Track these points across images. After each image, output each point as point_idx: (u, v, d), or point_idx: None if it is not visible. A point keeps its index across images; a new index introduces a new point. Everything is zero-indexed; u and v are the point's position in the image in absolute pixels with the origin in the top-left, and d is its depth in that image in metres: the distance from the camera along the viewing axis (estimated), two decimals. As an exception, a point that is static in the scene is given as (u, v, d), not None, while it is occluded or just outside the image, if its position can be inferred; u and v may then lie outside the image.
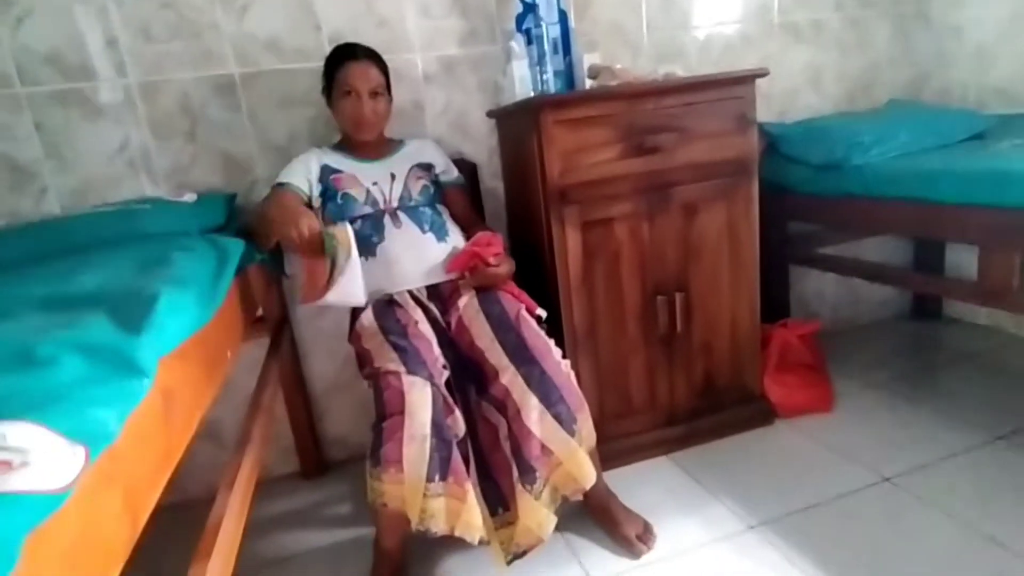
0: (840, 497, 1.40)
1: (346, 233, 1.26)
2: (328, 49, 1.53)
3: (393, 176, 1.49)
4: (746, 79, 1.48)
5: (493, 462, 1.24)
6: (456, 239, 1.47)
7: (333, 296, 1.25)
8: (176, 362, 0.67)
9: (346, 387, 1.81)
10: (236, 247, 1.10)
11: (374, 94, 1.44)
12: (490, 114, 1.75)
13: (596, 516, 1.38)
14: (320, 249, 1.26)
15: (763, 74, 1.48)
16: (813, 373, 1.81)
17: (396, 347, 1.21)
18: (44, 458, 0.38)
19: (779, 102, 2.06)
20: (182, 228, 1.21)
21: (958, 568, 1.16)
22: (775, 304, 1.96)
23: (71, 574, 0.40)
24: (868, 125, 1.80)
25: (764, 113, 1.54)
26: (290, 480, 1.79)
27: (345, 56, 1.43)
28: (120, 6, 1.45)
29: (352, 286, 1.25)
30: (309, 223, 1.24)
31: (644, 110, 1.42)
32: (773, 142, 1.90)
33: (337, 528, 1.54)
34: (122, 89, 1.49)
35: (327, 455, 1.83)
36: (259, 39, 1.55)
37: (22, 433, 0.38)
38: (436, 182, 1.55)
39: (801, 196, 1.86)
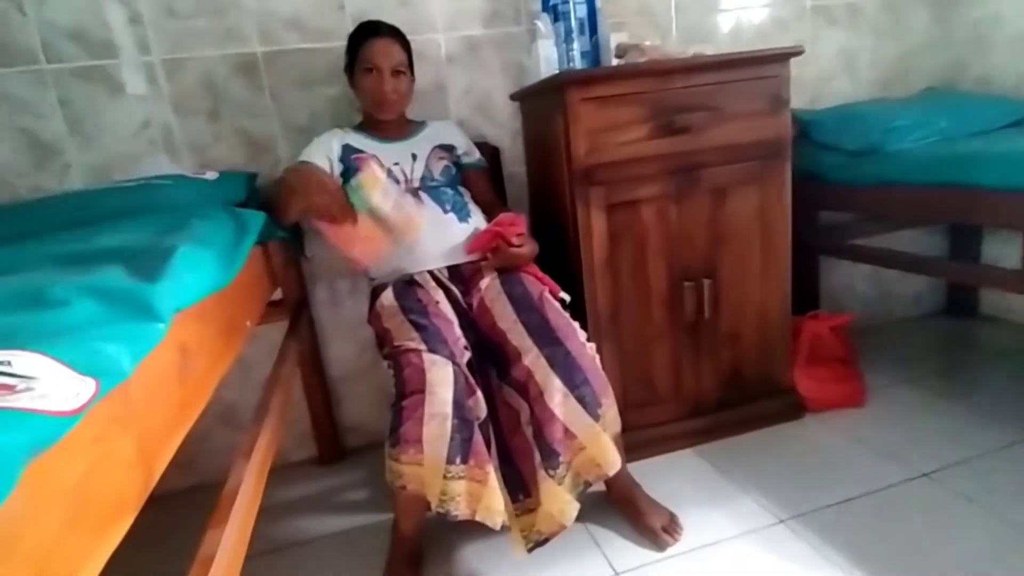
0: (875, 492, 1.34)
1: (371, 170, 1.18)
2: (351, 28, 1.51)
3: (414, 156, 1.46)
4: (781, 57, 1.43)
5: (514, 447, 1.21)
6: (478, 220, 1.44)
7: (409, 241, 1.22)
8: (193, 320, 0.65)
9: (364, 373, 1.79)
10: (256, 218, 1.08)
11: (396, 72, 1.42)
12: (514, 96, 1.72)
13: (620, 506, 1.33)
14: (350, 210, 1.18)
15: (798, 52, 1.43)
16: (844, 367, 1.75)
17: (417, 326, 1.18)
18: (51, 385, 0.35)
19: (811, 88, 2.00)
20: (203, 202, 1.19)
21: (999, 564, 1.10)
22: (804, 296, 1.90)
23: (76, 517, 0.37)
24: (905, 111, 1.74)
25: (795, 99, 1.48)
26: (307, 466, 1.77)
27: (368, 33, 1.41)
28: (145, -18, 1.44)
29: (406, 212, 1.20)
30: (333, 191, 1.19)
31: (674, 88, 1.38)
32: (804, 128, 1.84)
33: (353, 514, 1.52)
34: (146, 66, 1.48)
35: (344, 441, 1.81)
36: (282, 17, 1.54)
37: (29, 362, 0.36)
38: (457, 164, 1.53)
39: (833, 184, 1.80)
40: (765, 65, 1.43)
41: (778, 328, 1.59)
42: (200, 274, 0.66)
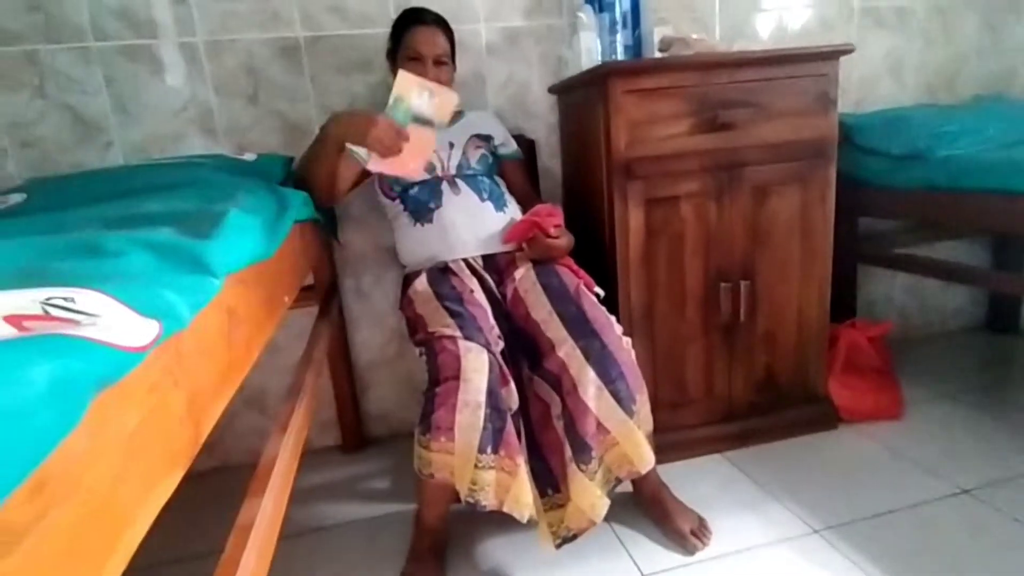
0: (915, 506, 1.29)
1: (402, 79, 1.20)
2: (393, 15, 1.50)
3: (451, 144, 1.45)
4: (830, 55, 1.40)
5: (544, 441, 1.18)
6: (514, 211, 1.42)
7: (442, 121, 1.23)
8: (239, 286, 0.64)
9: (390, 362, 1.78)
10: (296, 197, 1.07)
11: (439, 62, 1.41)
12: (552, 89, 1.70)
13: (647, 507, 1.30)
14: (402, 132, 1.20)
15: (848, 50, 1.39)
16: (882, 377, 1.70)
17: (452, 312, 1.16)
18: (116, 322, 0.34)
19: (855, 91, 1.95)
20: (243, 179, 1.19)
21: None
22: (842, 304, 1.85)
23: (131, 464, 0.36)
24: (953, 117, 1.69)
25: (839, 102, 1.44)
26: (330, 453, 1.77)
27: (414, 20, 1.40)
28: (193, -37, 1.45)
29: (440, 96, 1.22)
30: (381, 121, 1.18)
31: (719, 83, 1.35)
32: (848, 132, 1.80)
33: (376, 502, 1.51)
34: (189, 47, 1.49)
35: (368, 430, 1.80)
36: (325, 2, 1.54)
37: (92, 299, 0.35)
38: (494, 154, 1.51)
39: (877, 189, 1.75)
40: (814, 62, 1.39)
41: (815, 334, 1.55)
42: (248, 239, 0.66)
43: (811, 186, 1.46)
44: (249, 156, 1.41)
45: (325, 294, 1.54)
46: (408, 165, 1.23)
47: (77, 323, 0.32)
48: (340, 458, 1.74)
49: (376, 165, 1.22)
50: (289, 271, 0.96)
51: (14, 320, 0.30)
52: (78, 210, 0.88)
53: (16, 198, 1.16)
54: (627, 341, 1.19)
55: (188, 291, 0.44)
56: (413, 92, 1.20)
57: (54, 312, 0.33)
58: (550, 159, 1.77)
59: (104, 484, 0.31)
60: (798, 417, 1.58)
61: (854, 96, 1.95)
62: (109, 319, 0.34)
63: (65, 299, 0.34)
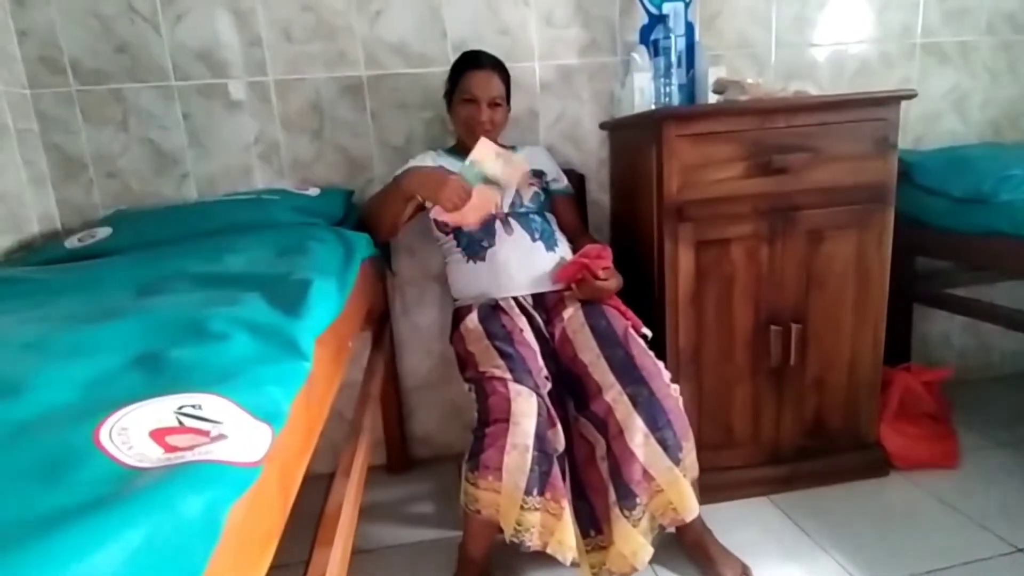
0: (965, 564, 1.25)
1: (482, 147, 1.33)
2: (451, 55, 1.56)
3: (505, 182, 1.49)
4: (890, 100, 1.38)
5: (588, 481, 1.21)
6: (564, 250, 1.45)
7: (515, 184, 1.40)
8: (316, 346, 0.68)
9: (436, 387, 1.83)
10: (360, 240, 1.13)
11: (493, 104, 1.45)
12: (603, 125, 1.73)
13: (691, 552, 1.30)
14: (469, 192, 1.32)
15: (911, 96, 1.37)
16: (937, 424, 1.65)
17: (503, 353, 1.20)
18: (237, 431, 0.38)
19: (915, 128, 1.91)
20: (308, 220, 1.26)
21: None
22: (896, 345, 1.80)
23: (240, 548, 0.40)
24: (1021, 158, 1.63)
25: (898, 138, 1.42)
26: (375, 473, 1.82)
27: (471, 64, 1.45)
28: (267, 8, 1.54)
29: (512, 163, 1.38)
30: (452, 181, 1.30)
31: (774, 128, 1.35)
32: (907, 170, 1.75)
33: (420, 527, 1.55)
34: (261, 86, 1.58)
35: (412, 452, 1.85)
36: (388, 43, 1.61)
37: (216, 405, 0.39)
38: (546, 190, 1.55)
39: (936, 230, 1.71)
40: (874, 107, 1.37)
41: (868, 379, 1.52)
42: (328, 304, 0.70)
43: (868, 230, 1.44)
44: (313, 191, 1.49)
45: (378, 323, 1.59)
46: (467, 218, 1.35)
47: (207, 433, 0.37)
48: (386, 479, 1.79)
49: (438, 214, 1.36)
50: (354, 315, 1.01)
51: (158, 436, 0.35)
52: (165, 258, 0.95)
53: (103, 232, 1.26)
54: (675, 388, 1.20)
55: (286, 380, 0.49)
56: (489, 158, 1.32)
57: (187, 423, 0.37)
58: (599, 193, 1.79)
59: (219, 578, 0.35)
60: (848, 463, 1.55)
61: (913, 133, 1.91)
62: (230, 425, 0.38)
63: (193, 407, 0.39)
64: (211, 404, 0.40)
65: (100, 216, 1.50)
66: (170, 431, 0.36)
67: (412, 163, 1.50)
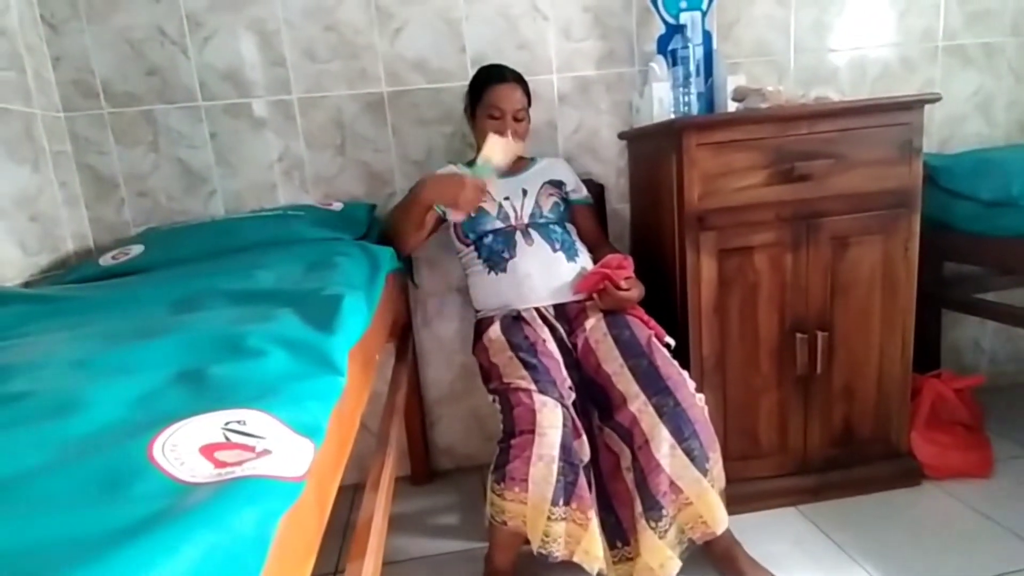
0: (1003, 576, 1.22)
1: (490, 143, 1.35)
2: (470, 70, 1.58)
3: (525, 192, 1.50)
4: (914, 105, 1.36)
5: (613, 492, 1.20)
6: (585, 260, 1.45)
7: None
8: (349, 360, 0.70)
9: (459, 398, 1.84)
10: (385, 254, 1.14)
11: (517, 117, 1.47)
12: (622, 135, 1.73)
13: (720, 564, 1.28)
14: (485, 190, 1.35)
15: (934, 99, 1.36)
16: (969, 433, 1.61)
17: (527, 364, 1.20)
18: (281, 446, 0.39)
19: (939, 131, 1.88)
20: (332, 235, 1.28)
21: None
22: (925, 352, 1.78)
23: (283, 561, 0.41)
24: (1051, 159, 1.60)
25: (922, 142, 1.40)
26: (399, 484, 1.83)
27: (495, 78, 1.47)
28: (290, 28, 1.58)
29: (514, 149, 1.40)
30: (469, 185, 1.30)
31: (796, 135, 1.34)
32: (932, 173, 1.73)
33: (445, 538, 1.55)
34: (285, 104, 1.61)
35: (436, 463, 1.86)
36: (408, 59, 1.63)
37: (260, 421, 0.41)
38: (566, 200, 1.55)
39: (964, 235, 1.68)
40: (897, 112, 1.36)
41: (897, 387, 1.50)
42: (359, 318, 0.72)
43: (893, 236, 1.42)
44: (336, 205, 1.51)
45: (401, 335, 1.61)
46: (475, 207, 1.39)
47: (253, 449, 0.38)
48: (410, 490, 1.80)
49: (456, 216, 1.39)
50: (380, 328, 1.03)
51: (208, 452, 0.36)
52: (194, 268, 0.98)
53: (136, 249, 1.29)
54: (700, 398, 1.19)
55: (324, 395, 0.50)
56: (497, 153, 1.34)
57: (234, 438, 0.39)
58: (619, 202, 1.80)
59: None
60: (878, 472, 1.53)
61: (939, 136, 1.88)
62: (274, 440, 0.40)
63: (239, 422, 0.40)
64: (255, 420, 0.41)
65: (132, 234, 1.54)
66: (218, 447, 0.38)
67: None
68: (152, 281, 0.97)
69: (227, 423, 0.40)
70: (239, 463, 0.36)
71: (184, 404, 0.43)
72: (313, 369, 0.54)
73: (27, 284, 1.28)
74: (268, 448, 0.39)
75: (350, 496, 1.61)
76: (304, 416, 0.45)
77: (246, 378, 0.48)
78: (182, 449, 0.36)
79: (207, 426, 0.39)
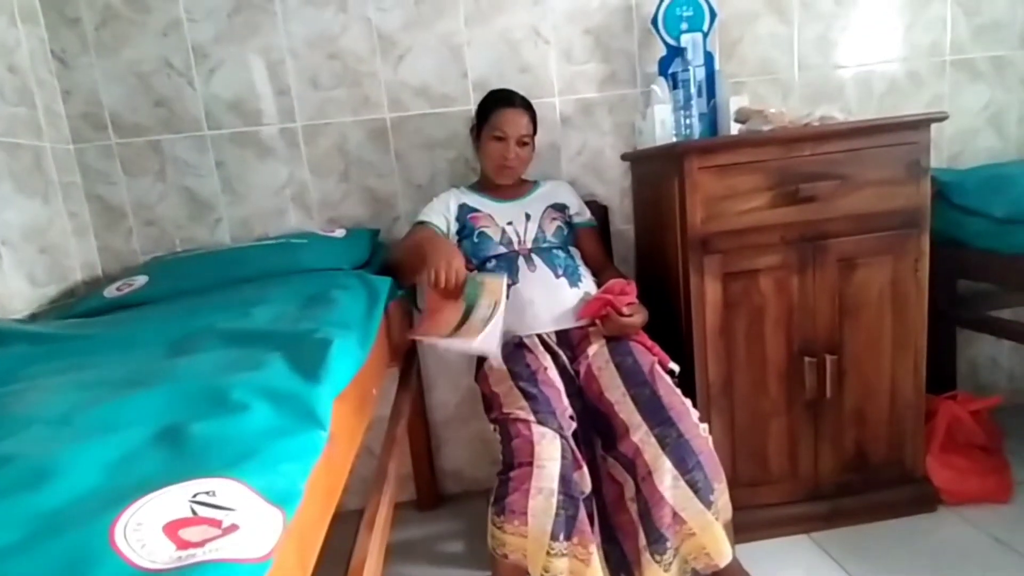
0: (1026, 610, 1.18)
1: (500, 284, 1.24)
2: (473, 94, 1.59)
3: (528, 216, 1.50)
4: (920, 124, 1.34)
5: (617, 523, 1.18)
6: (589, 285, 1.44)
7: (459, 344, 1.18)
8: (337, 405, 0.69)
9: (465, 421, 1.83)
10: (384, 285, 1.14)
11: (521, 142, 1.47)
12: (625, 157, 1.73)
13: (728, 595, 1.26)
14: (458, 292, 1.25)
15: (941, 118, 1.34)
16: (988, 456, 1.57)
17: (526, 394, 1.19)
18: (249, 520, 0.39)
19: (950, 146, 1.85)
20: (334, 264, 1.29)
21: None
22: (940, 372, 1.74)
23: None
24: (1066, 174, 1.57)
25: (932, 158, 1.38)
26: (405, 509, 1.82)
27: (503, 102, 1.47)
28: (295, 58, 1.60)
29: (492, 339, 1.18)
30: (459, 265, 1.24)
31: (800, 156, 1.33)
32: (943, 190, 1.70)
33: (450, 566, 1.54)
34: (289, 132, 1.63)
35: (442, 487, 1.84)
36: (411, 86, 1.65)
37: (231, 491, 0.40)
38: (569, 223, 1.55)
39: (977, 252, 1.64)
40: (903, 131, 1.34)
41: (911, 409, 1.46)
42: (349, 361, 0.72)
43: (902, 256, 1.39)
44: (339, 232, 1.52)
45: (404, 361, 1.60)
46: (432, 317, 1.27)
47: (220, 524, 0.37)
48: (415, 515, 1.79)
49: (429, 290, 1.26)
50: (378, 363, 1.02)
51: (172, 531, 0.36)
52: (195, 302, 0.99)
53: (140, 280, 1.31)
54: (704, 428, 1.17)
55: (302, 455, 0.50)
56: (491, 300, 1.22)
57: (201, 512, 0.38)
58: (623, 223, 1.79)
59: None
60: (892, 498, 1.49)
61: (949, 151, 1.85)
62: (243, 511, 0.39)
63: (207, 493, 0.40)
64: (225, 490, 0.41)
65: (139, 262, 1.56)
66: (184, 523, 0.37)
67: (435, 201, 1.53)
68: (151, 318, 0.98)
69: (195, 495, 0.39)
70: (202, 543, 0.36)
71: (158, 470, 0.43)
72: (295, 423, 0.53)
73: (34, 315, 1.30)
74: (236, 522, 0.38)
75: (355, 522, 1.60)
76: (279, 481, 0.45)
77: (225, 437, 0.48)
78: (146, 529, 0.36)
79: (175, 499, 0.39)
